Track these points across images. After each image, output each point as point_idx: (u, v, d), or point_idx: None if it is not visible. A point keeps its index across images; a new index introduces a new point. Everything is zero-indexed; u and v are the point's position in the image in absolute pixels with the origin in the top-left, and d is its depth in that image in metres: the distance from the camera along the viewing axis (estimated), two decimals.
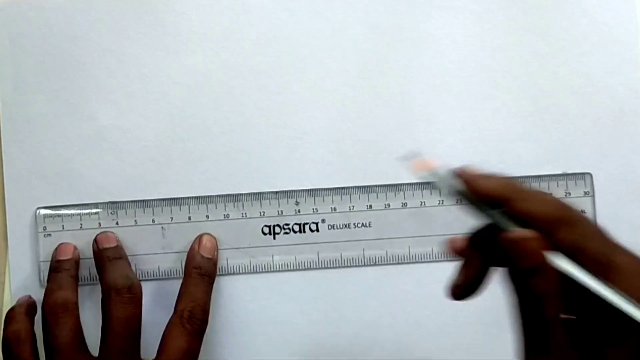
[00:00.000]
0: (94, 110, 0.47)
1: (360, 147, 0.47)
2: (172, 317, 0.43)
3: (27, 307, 0.44)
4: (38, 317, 0.44)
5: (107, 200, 0.46)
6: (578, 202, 0.46)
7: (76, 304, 0.44)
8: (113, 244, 0.45)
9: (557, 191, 0.46)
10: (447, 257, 0.46)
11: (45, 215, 0.46)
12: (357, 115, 0.47)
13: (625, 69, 0.47)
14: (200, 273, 0.44)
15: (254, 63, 0.47)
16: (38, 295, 0.45)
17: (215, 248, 0.46)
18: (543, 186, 0.46)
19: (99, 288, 0.44)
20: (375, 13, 0.47)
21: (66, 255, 0.45)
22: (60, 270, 0.45)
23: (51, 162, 0.47)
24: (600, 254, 0.30)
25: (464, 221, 0.45)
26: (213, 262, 0.45)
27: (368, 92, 0.47)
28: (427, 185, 0.46)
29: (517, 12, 0.47)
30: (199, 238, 0.46)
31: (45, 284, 0.45)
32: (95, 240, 0.45)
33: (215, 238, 0.46)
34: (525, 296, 0.31)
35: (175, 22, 0.47)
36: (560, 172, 0.46)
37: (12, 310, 0.44)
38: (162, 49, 0.47)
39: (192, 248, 0.46)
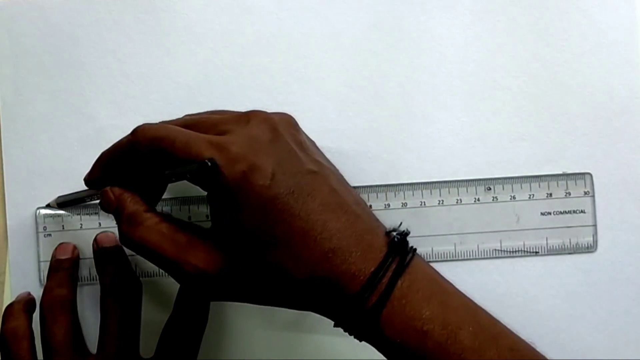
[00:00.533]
0: (94, 110, 0.47)
1: (359, 147, 0.47)
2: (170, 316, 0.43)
3: (26, 303, 0.44)
4: (36, 315, 0.44)
5: None
6: (578, 201, 0.46)
7: (74, 302, 0.44)
8: (113, 244, 0.45)
9: (557, 191, 0.46)
10: (446, 258, 0.46)
11: (45, 215, 0.46)
12: (357, 115, 0.47)
13: (625, 69, 0.47)
14: None
15: (254, 63, 0.47)
16: (38, 295, 0.45)
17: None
18: (543, 186, 0.46)
19: (98, 288, 0.44)
20: (375, 13, 0.47)
21: (65, 254, 0.45)
22: (59, 270, 0.45)
23: (51, 162, 0.47)
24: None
25: (464, 221, 0.46)
26: None
27: (368, 92, 0.47)
28: (427, 185, 0.46)
29: (517, 12, 0.47)
30: None
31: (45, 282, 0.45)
32: (95, 239, 0.45)
33: None
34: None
35: (175, 22, 0.47)
36: (560, 172, 0.46)
37: (10, 306, 0.44)
38: (162, 49, 0.47)
39: None
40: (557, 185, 0.46)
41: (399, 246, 0.36)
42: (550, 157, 0.47)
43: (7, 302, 0.46)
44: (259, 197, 0.35)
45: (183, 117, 0.42)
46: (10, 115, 0.47)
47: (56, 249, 0.46)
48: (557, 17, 0.47)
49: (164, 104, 0.47)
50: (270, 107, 0.46)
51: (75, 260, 0.46)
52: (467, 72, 0.47)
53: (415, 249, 0.37)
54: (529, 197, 0.46)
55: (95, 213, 0.46)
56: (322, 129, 0.46)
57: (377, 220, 0.38)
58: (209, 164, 0.35)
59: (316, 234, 0.35)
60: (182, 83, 0.47)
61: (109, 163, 0.41)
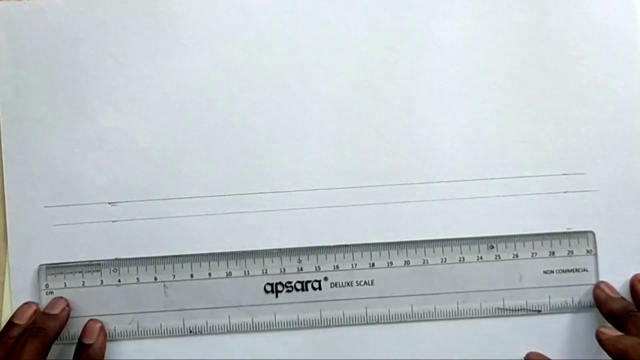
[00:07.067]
0: (94, 112, 0.47)
1: (360, 148, 0.47)
2: None
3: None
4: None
5: (110, 258, 0.46)
6: (581, 260, 0.46)
7: None
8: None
9: (560, 250, 0.46)
10: (450, 316, 0.46)
11: (47, 272, 0.46)
12: (357, 117, 0.47)
13: (625, 71, 0.47)
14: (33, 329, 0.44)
15: (254, 65, 0.47)
16: (37, 298, 0.46)
17: (63, 308, 0.45)
18: (546, 244, 0.46)
19: None
20: (375, 15, 0.47)
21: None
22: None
23: (51, 163, 0.47)
24: None
25: (466, 280, 0.46)
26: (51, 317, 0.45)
27: (368, 94, 0.47)
28: (430, 243, 0.46)
29: (518, 15, 0.47)
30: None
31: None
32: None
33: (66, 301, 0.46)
34: None
35: (175, 24, 0.47)
36: (559, 173, 0.46)
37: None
38: (162, 51, 0.47)
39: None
40: (560, 244, 0.46)
41: None
42: (550, 159, 0.46)
43: (6, 303, 0.46)
44: None
45: None
46: (10, 117, 0.47)
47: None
48: (558, 19, 0.47)
49: (164, 105, 0.47)
50: (270, 108, 0.46)
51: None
52: (467, 74, 0.47)
53: None
54: (532, 256, 0.46)
55: (98, 270, 0.46)
56: (322, 130, 0.46)
57: None
58: None
59: None
60: (182, 84, 0.47)
61: None
